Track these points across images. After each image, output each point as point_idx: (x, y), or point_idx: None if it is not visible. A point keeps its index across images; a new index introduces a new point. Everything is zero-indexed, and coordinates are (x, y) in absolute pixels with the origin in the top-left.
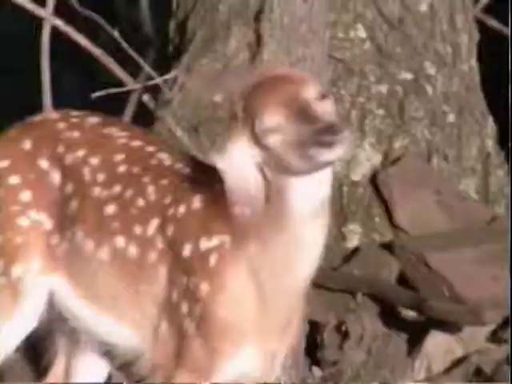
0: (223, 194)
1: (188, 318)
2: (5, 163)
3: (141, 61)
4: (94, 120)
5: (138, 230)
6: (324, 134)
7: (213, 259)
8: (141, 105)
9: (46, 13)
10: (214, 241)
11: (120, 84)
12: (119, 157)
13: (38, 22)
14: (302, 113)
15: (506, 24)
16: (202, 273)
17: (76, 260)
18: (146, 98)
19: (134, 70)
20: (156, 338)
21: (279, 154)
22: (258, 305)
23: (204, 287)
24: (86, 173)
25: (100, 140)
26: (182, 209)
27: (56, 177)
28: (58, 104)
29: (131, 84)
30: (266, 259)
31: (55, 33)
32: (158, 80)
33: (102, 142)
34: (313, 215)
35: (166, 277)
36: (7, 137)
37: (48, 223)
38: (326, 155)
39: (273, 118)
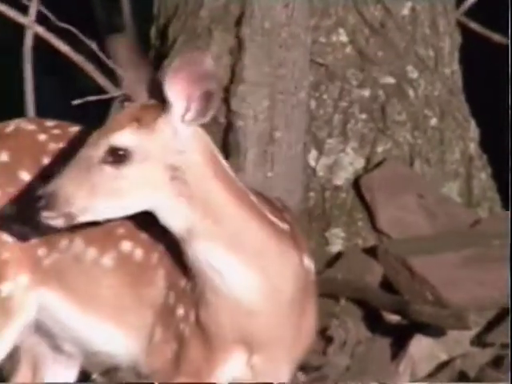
0: None
1: (183, 321)
2: None
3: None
4: (74, 129)
5: (143, 234)
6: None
7: None
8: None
9: (28, 20)
10: None
11: (101, 91)
12: None
13: (20, 29)
14: None
15: (488, 27)
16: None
17: (73, 269)
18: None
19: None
20: (151, 344)
21: None
22: (223, 317)
23: (196, 291)
24: None
25: None
26: None
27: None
28: (39, 110)
29: (112, 91)
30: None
31: (37, 40)
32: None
33: None
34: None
35: (164, 280)
36: None
37: (33, 235)
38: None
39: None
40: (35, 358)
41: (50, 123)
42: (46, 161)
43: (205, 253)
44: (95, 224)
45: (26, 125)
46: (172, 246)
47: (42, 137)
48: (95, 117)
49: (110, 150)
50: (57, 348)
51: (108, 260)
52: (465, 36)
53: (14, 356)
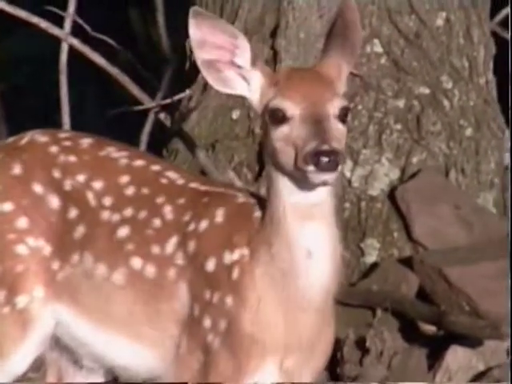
0: (245, 206)
1: (211, 332)
2: None
3: (154, 81)
4: (87, 141)
5: (155, 249)
6: (324, 156)
7: (235, 273)
8: (159, 122)
9: (64, 33)
10: (236, 254)
11: (138, 102)
12: (125, 179)
13: (57, 42)
14: (317, 122)
15: None
16: (226, 286)
17: (84, 285)
18: (162, 116)
19: (154, 89)
20: (177, 356)
21: (278, 148)
22: (276, 317)
23: (229, 301)
24: (91, 197)
25: (99, 162)
26: (204, 224)
27: (54, 201)
28: (76, 122)
29: (147, 102)
30: (274, 266)
31: (73, 53)
32: (173, 99)
33: (102, 164)
34: (307, 215)
35: (187, 292)
36: None
37: (47, 249)
38: (319, 178)
39: (291, 106)
40: (59, 371)
41: (63, 135)
42: (56, 173)
43: (315, 234)
44: (104, 238)
45: (40, 137)
46: (192, 259)
47: (54, 149)
48: (131, 128)
49: (344, 108)
50: (77, 362)
51: (118, 276)
52: (499, 46)
53: (40, 368)
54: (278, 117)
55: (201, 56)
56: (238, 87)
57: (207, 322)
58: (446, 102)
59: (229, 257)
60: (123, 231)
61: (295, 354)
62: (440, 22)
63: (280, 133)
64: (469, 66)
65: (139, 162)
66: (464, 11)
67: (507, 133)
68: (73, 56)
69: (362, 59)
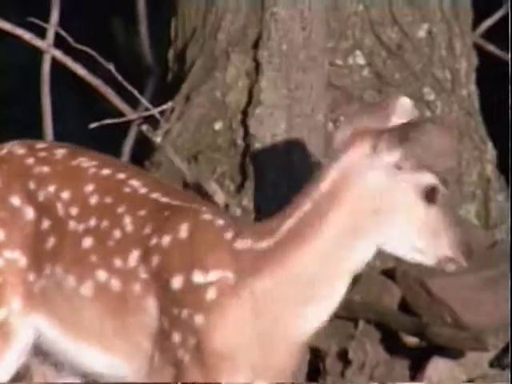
0: (211, 224)
1: (181, 348)
2: None
3: (136, 92)
4: (61, 152)
5: (117, 262)
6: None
7: (211, 293)
8: (142, 134)
9: (46, 44)
10: (212, 275)
11: (121, 114)
12: (90, 187)
13: (39, 53)
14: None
15: (505, 49)
16: (197, 305)
17: (57, 296)
18: (144, 127)
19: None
20: (151, 368)
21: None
22: (251, 343)
23: (199, 319)
24: (59, 207)
25: (70, 172)
26: (167, 239)
27: (29, 213)
28: (58, 134)
29: (130, 114)
30: (268, 298)
31: (56, 63)
32: (155, 110)
33: (72, 174)
34: None
35: (155, 307)
36: None
37: (23, 260)
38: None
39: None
40: (45, 373)
41: (40, 145)
42: (31, 185)
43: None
44: (71, 249)
45: (18, 149)
46: (156, 274)
47: (30, 160)
48: (115, 139)
49: None
50: (58, 366)
51: (86, 289)
52: (481, 57)
53: (25, 376)
54: None
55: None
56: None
57: (176, 337)
58: (428, 114)
59: (200, 277)
60: (87, 242)
61: (266, 376)
62: (422, 33)
63: None
64: (451, 77)
65: (106, 171)
66: (446, 23)
67: (489, 144)
68: (56, 67)
69: (345, 71)
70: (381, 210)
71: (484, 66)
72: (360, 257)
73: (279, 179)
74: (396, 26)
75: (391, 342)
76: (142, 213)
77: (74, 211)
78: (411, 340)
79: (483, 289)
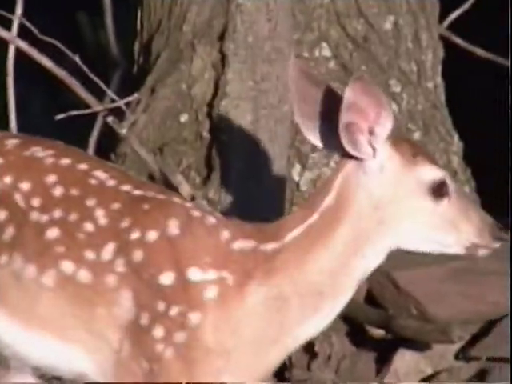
0: (204, 221)
1: (162, 343)
2: None
3: (102, 84)
4: (13, 141)
5: (89, 254)
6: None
7: (211, 292)
8: (108, 126)
9: (11, 35)
10: (210, 274)
11: (87, 106)
12: (51, 178)
13: (4, 44)
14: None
15: (471, 41)
16: (192, 303)
17: (12, 286)
18: (110, 119)
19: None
20: (118, 360)
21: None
22: (249, 347)
23: (195, 317)
24: (19, 199)
25: (25, 163)
26: (153, 234)
27: None
28: (24, 125)
29: (95, 106)
30: (272, 304)
31: (21, 54)
32: (121, 102)
33: (28, 164)
34: None
35: (130, 300)
36: None
37: None
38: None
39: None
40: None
41: None
42: None
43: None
44: (33, 239)
45: None
46: (137, 268)
47: None
48: (80, 131)
49: None
50: (3, 363)
51: (48, 279)
52: (447, 50)
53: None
54: None
55: (345, 119)
56: (365, 152)
57: (158, 332)
58: (394, 106)
59: (197, 275)
60: (52, 233)
61: (251, 378)
62: (388, 25)
63: None
64: (417, 69)
65: (65, 161)
66: (412, 15)
67: (455, 136)
68: (21, 58)
69: (311, 63)
70: (386, 218)
71: (450, 58)
72: (370, 264)
73: (245, 171)
74: (362, 18)
75: (357, 335)
76: (116, 206)
77: (35, 202)
78: (377, 332)
79: (450, 281)
